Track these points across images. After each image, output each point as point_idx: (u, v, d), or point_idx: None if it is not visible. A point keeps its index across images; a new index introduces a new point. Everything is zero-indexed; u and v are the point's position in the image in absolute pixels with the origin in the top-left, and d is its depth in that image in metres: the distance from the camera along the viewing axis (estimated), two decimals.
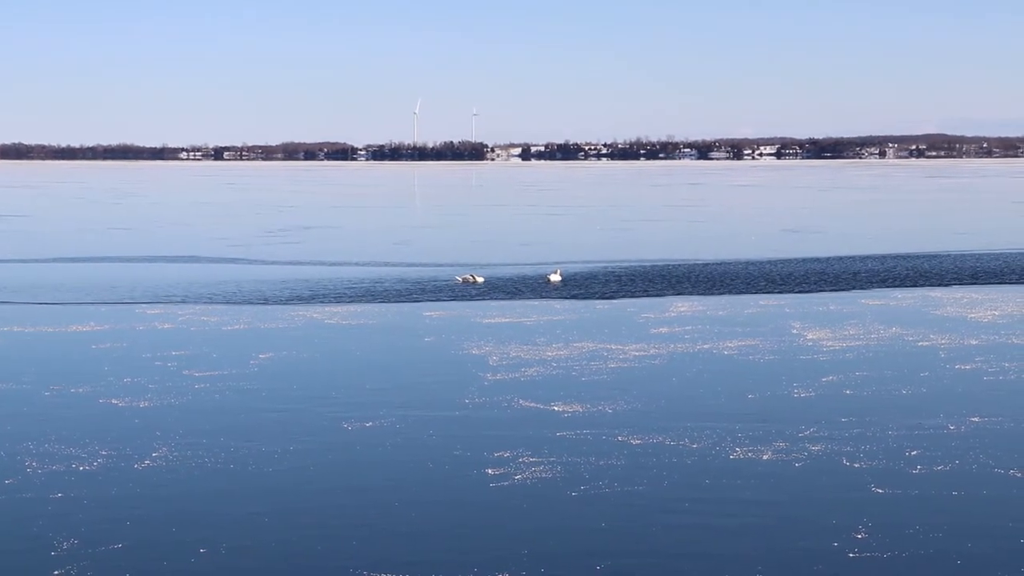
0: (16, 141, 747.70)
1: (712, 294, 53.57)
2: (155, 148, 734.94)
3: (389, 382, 33.47)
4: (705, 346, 38.81)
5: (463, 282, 56.52)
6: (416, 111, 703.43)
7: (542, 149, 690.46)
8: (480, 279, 56.97)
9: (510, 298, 52.00)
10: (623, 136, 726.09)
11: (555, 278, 57.24)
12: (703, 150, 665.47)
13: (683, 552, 19.65)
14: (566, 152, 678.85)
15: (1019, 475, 23.84)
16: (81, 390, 32.21)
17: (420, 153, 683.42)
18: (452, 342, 40.00)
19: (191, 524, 21.08)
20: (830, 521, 21.04)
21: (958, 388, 32.29)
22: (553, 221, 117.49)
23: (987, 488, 22.96)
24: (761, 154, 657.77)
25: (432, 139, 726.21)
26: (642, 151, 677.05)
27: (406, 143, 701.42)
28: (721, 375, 34.09)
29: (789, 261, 68.82)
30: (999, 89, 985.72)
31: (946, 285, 57.46)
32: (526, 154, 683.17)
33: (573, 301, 51.12)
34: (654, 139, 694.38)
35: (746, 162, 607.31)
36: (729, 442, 26.36)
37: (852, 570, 18.85)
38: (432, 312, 47.77)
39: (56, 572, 18.73)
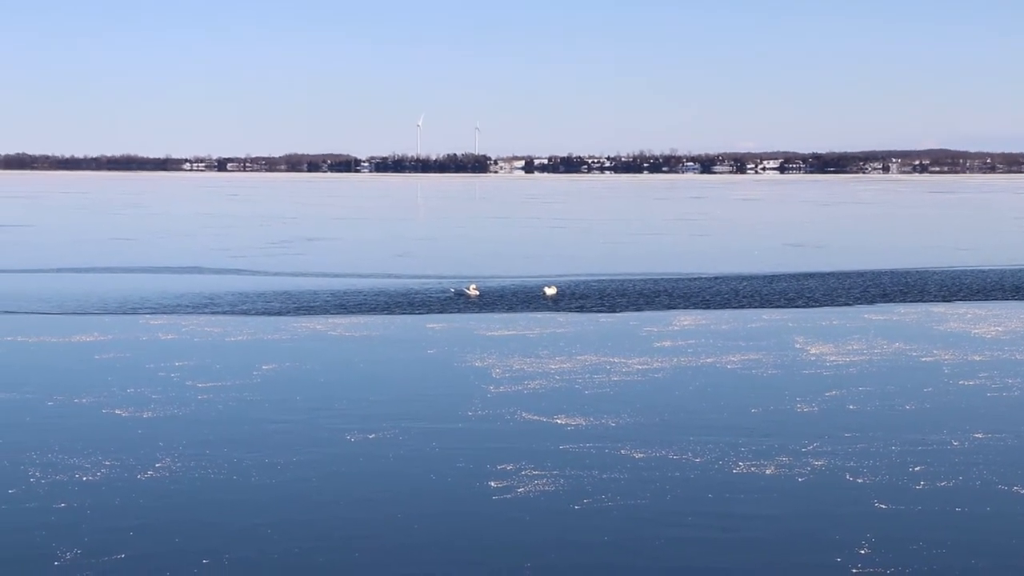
0: (20, 151, 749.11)
1: (715, 308, 53.57)
2: (159, 159, 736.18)
3: (392, 394, 33.47)
4: (708, 360, 38.81)
5: (455, 294, 56.44)
6: (419, 123, 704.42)
7: (545, 162, 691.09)
8: (474, 291, 56.78)
9: (509, 310, 51.98)
10: (626, 149, 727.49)
11: (550, 291, 57.28)
12: (706, 164, 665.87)
13: (686, 566, 19.64)
14: (569, 165, 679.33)
15: (1022, 491, 23.82)
16: (84, 400, 32.23)
17: (423, 165, 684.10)
18: (455, 354, 40.01)
19: (194, 534, 21.08)
20: (833, 536, 21.03)
21: (961, 404, 32.27)
22: (556, 234, 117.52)
23: (990, 504, 22.95)
24: (764, 168, 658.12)
25: (435, 151, 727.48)
26: (645, 164, 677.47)
27: (409, 155, 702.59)
28: (724, 389, 34.08)
29: (792, 276, 68.82)
30: (1003, 105, 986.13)
31: (949, 300, 57.45)
32: (529, 167, 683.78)
33: (576, 314, 51.14)
34: (657, 152, 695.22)
35: (749, 176, 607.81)
36: (732, 456, 26.35)
37: None
38: (435, 324, 47.78)
39: None
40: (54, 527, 21.33)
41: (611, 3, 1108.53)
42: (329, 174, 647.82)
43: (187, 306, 53.29)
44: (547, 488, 23.81)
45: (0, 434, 28.25)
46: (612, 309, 53.00)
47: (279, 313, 51.13)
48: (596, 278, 66.80)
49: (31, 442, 27.42)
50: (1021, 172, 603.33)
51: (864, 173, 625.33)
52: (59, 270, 72.60)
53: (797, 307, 54.41)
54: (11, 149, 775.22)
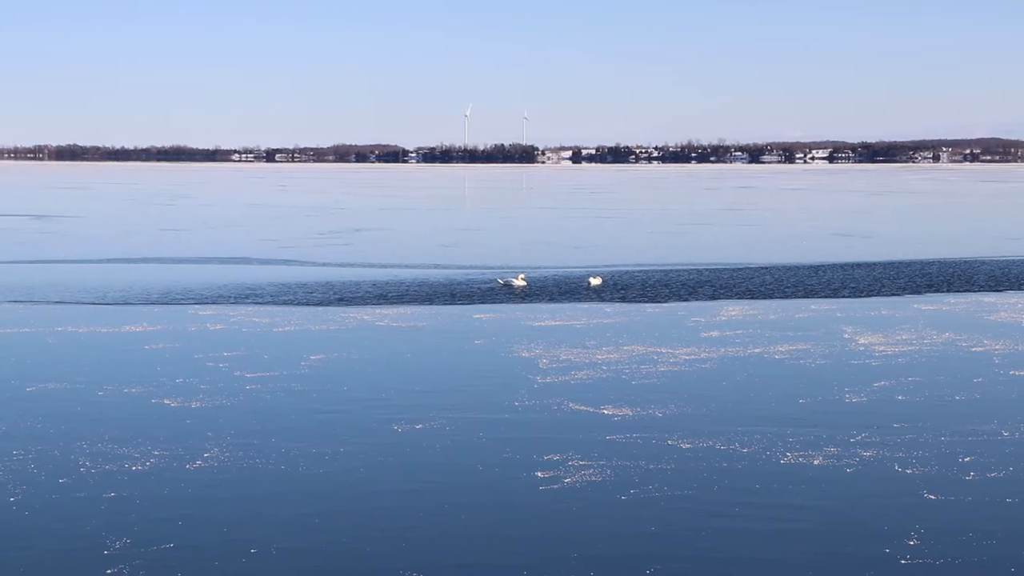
0: (71, 143, 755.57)
1: (763, 298, 53.35)
2: (208, 150, 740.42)
3: (439, 384, 33.52)
4: (756, 350, 38.65)
5: (504, 285, 56.40)
6: (467, 113, 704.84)
7: (593, 152, 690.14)
8: (520, 282, 56.66)
9: (553, 301, 51.95)
10: (674, 139, 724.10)
11: (595, 282, 57.26)
12: (754, 153, 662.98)
13: (733, 557, 19.58)
14: (617, 155, 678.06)
15: None
16: (134, 390, 32.45)
17: (471, 156, 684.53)
18: (502, 344, 40.02)
19: (242, 525, 21.19)
20: (882, 527, 20.90)
21: (1012, 394, 32.00)
22: (603, 224, 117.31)
23: None
24: (813, 158, 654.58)
25: (483, 142, 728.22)
26: (693, 154, 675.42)
27: (457, 146, 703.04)
28: (772, 379, 33.94)
29: (840, 265, 68.43)
30: None
31: (999, 290, 56.98)
32: (577, 157, 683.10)
33: (623, 304, 51.04)
34: (705, 142, 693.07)
35: (798, 165, 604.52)
36: (780, 447, 26.24)
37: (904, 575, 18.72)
38: (481, 314, 47.81)
39: (109, 571, 18.88)
40: (104, 516, 21.49)
41: None
42: (377, 165, 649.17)
43: (235, 296, 53.56)
44: (594, 478, 23.78)
45: (51, 424, 28.50)
46: (659, 299, 52.87)
47: (326, 303, 51.30)
48: (643, 268, 66.65)
49: (82, 432, 27.65)
50: None
51: (914, 162, 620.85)
52: (109, 260, 73.13)
53: (845, 297, 54.10)
54: (63, 140, 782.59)
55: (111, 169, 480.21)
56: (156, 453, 25.78)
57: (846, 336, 41.67)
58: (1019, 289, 57.50)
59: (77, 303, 51.56)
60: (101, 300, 52.45)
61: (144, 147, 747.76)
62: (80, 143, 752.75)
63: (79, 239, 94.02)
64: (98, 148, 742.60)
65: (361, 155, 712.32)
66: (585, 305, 50.73)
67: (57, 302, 51.82)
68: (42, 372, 35.27)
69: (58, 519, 21.48)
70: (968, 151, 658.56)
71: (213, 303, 51.39)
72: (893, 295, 54.90)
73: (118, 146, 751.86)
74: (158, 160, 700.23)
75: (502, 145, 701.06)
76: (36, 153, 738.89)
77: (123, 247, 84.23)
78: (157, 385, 33.06)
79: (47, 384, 33.39)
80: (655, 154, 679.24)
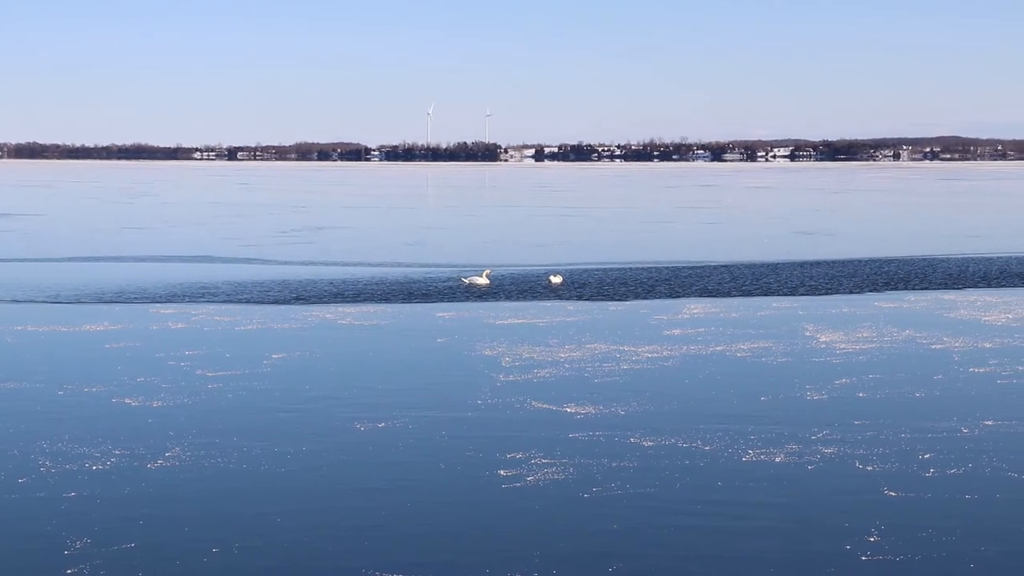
0: (31, 140, 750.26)
1: (725, 296, 53.53)
2: (169, 148, 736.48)
3: (401, 383, 33.48)
4: (718, 348, 38.78)
5: (469, 284, 56.27)
6: (430, 112, 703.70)
7: (555, 150, 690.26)
8: (484, 280, 56.57)
9: (516, 299, 51.98)
10: (636, 137, 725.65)
11: (555, 280, 57.25)
12: (716, 151, 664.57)
13: (695, 554, 19.64)
14: (579, 153, 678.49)
15: None
16: (94, 389, 32.28)
17: (433, 154, 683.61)
18: (464, 343, 40.01)
19: (204, 524, 21.11)
20: (843, 524, 21.01)
21: (971, 391, 32.22)
22: (566, 222, 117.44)
23: (1000, 491, 22.91)
24: (775, 156, 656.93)
25: (446, 140, 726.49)
26: (656, 152, 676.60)
27: (419, 144, 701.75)
28: (734, 377, 34.05)
29: (802, 263, 68.75)
30: (1013, 91, 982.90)
31: (959, 288, 57.36)
32: (539, 155, 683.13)
33: (586, 302, 51.11)
34: (667, 140, 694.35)
35: (760, 164, 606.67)
36: (741, 444, 26.34)
37: (865, 573, 18.82)
38: (444, 312, 47.79)
39: (69, 571, 18.77)
40: (64, 516, 21.37)
41: None
42: (339, 163, 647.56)
43: (197, 295, 53.34)
44: (557, 476, 23.81)
45: (10, 423, 28.31)
46: (622, 297, 52.96)
47: (289, 302, 51.16)
48: (606, 266, 66.76)
49: (41, 431, 27.47)
50: None
51: (875, 160, 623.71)
52: (69, 259, 72.70)
53: (806, 295, 54.34)
54: (22, 138, 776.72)
55: (71, 167, 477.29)
56: (117, 452, 25.65)
57: (807, 334, 41.86)
58: (978, 287, 57.89)
59: (36, 302, 51.23)
60: (61, 299, 52.12)
61: (105, 145, 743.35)
62: (40, 140, 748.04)
63: (38, 237, 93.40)
64: (58, 146, 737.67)
65: (323, 153, 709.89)
66: (547, 303, 50.77)
67: (15, 301, 51.47)
68: None
69: (17, 519, 21.34)
70: (928, 149, 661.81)
71: (174, 302, 51.16)
72: (853, 293, 55.18)
73: (78, 144, 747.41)
74: (119, 158, 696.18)
75: (465, 143, 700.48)
76: None
77: (84, 245, 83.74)
78: (118, 384, 32.89)
79: (5, 383, 33.16)
80: (618, 152, 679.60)
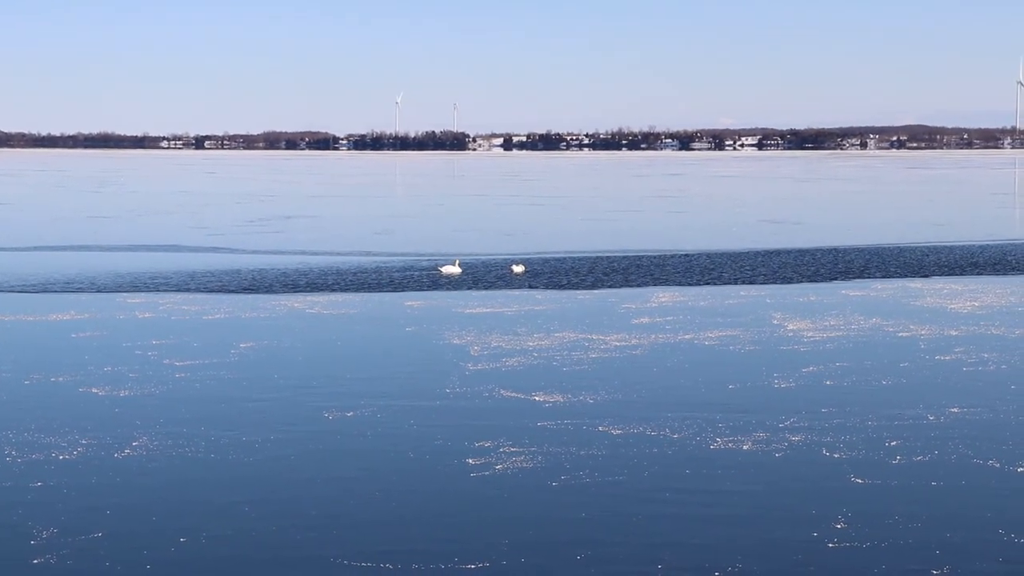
0: None
1: (693, 285, 53.66)
2: (136, 137, 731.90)
3: (370, 372, 33.46)
4: (686, 336, 38.88)
5: (445, 274, 56.19)
6: (398, 101, 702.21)
7: (524, 139, 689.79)
8: (455, 268, 56.58)
9: (484, 288, 51.99)
10: (605, 126, 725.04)
11: (518, 269, 57.23)
12: (685, 140, 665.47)
13: (663, 541, 19.69)
14: (548, 142, 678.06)
15: (997, 465, 23.94)
16: (61, 379, 32.13)
17: (402, 143, 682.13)
18: (433, 332, 40.00)
19: (171, 513, 21.06)
20: (809, 511, 21.11)
21: (937, 378, 32.41)
22: (535, 211, 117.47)
23: (965, 478, 23.06)
24: (743, 145, 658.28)
25: (414, 129, 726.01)
26: (624, 141, 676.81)
27: (388, 133, 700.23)
28: (702, 365, 34.15)
29: (769, 252, 68.96)
30: (979, 80, 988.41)
31: (926, 276, 57.65)
32: (508, 144, 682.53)
33: (554, 291, 51.16)
34: (636, 129, 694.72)
35: (728, 153, 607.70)
36: (709, 432, 26.42)
37: (831, 559, 18.92)
38: (413, 302, 47.75)
39: (35, 561, 18.70)
40: (30, 505, 21.28)
41: None
42: (307, 152, 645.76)
43: (164, 284, 53.14)
44: (525, 465, 23.84)
45: None
46: (590, 286, 53.03)
47: (257, 291, 51.02)
48: (573, 255, 66.82)
49: (6, 421, 27.34)
50: (997, 148, 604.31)
51: (842, 149, 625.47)
52: (35, 248, 72.30)
53: (773, 283, 54.52)
54: None
55: (38, 156, 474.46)
56: (84, 442, 25.54)
57: (775, 322, 42.01)
58: (943, 275, 58.20)
59: (1, 291, 50.91)
60: (26, 288, 51.84)
61: (71, 134, 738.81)
62: (5, 129, 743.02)
63: (4, 226, 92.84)
64: (23, 135, 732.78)
65: (291, 142, 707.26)
66: (516, 292, 50.79)
67: None
68: None
69: None
70: (895, 138, 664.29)
71: (142, 291, 50.96)
72: (821, 281, 55.40)
73: (44, 133, 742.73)
74: (86, 147, 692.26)
75: (433, 132, 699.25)
76: None
77: (49, 234, 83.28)
78: (85, 373, 32.75)
79: None
80: (586, 141, 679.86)
